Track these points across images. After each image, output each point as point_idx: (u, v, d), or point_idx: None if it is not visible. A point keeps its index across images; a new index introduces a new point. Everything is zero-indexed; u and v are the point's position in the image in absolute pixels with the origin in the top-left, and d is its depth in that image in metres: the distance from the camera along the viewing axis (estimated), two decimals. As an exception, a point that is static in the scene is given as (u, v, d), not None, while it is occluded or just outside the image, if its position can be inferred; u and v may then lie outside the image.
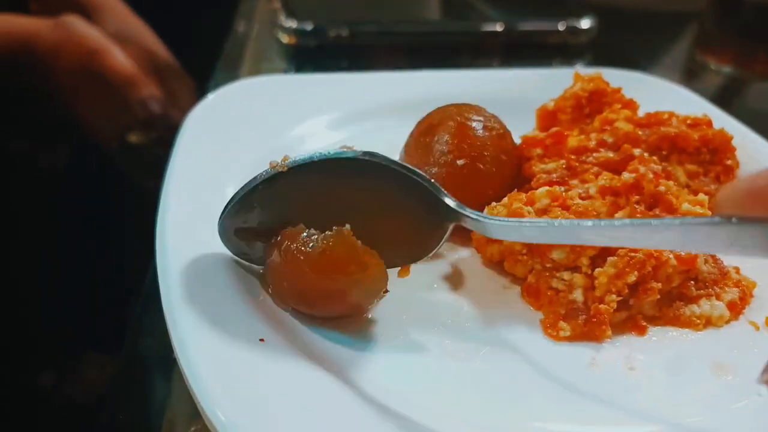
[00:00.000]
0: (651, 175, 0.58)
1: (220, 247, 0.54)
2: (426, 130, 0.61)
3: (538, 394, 0.48)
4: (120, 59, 1.12)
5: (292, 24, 0.96)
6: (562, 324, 0.52)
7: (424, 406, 0.45)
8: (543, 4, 1.13)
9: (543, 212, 0.55)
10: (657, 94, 0.80)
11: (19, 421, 0.88)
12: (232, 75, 0.95)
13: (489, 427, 0.44)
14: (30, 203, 1.06)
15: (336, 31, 0.97)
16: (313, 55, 0.98)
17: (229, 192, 0.58)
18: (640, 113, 0.69)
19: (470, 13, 1.12)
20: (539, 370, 0.50)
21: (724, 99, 1.02)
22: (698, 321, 0.54)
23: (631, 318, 0.54)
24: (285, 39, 0.99)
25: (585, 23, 1.06)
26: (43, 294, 1.06)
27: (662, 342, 0.53)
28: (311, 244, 0.47)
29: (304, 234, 0.48)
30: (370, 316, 0.52)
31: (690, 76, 1.07)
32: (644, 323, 0.54)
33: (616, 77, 0.78)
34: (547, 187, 0.57)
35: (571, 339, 0.52)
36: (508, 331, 0.53)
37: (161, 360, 0.55)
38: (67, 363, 0.97)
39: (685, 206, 0.57)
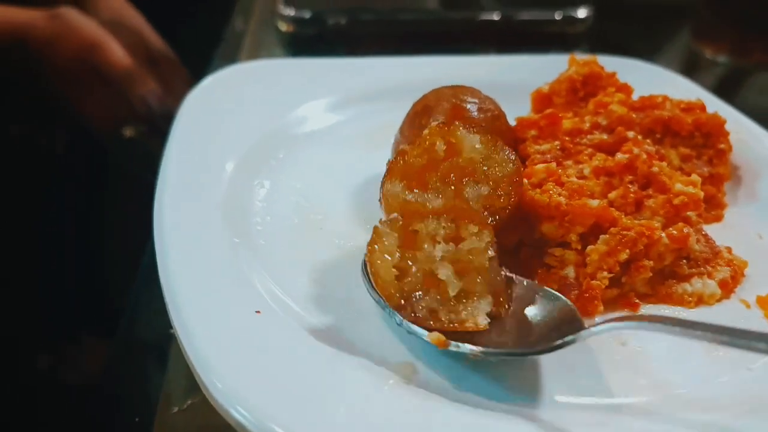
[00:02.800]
0: (645, 156, 0.59)
1: (217, 225, 0.54)
2: (421, 110, 0.62)
3: (529, 365, 0.48)
4: (117, 53, 1.12)
5: (291, 12, 0.97)
6: (555, 299, 0.53)
7: (416, 367, 0.47)
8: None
9: (537, 185, 0.56)
10: (653, 81, 0.80)
11: (19, 403, 0.88)
12: (230, 62, 0.95)
13: (484, 400, 0.45)
14: (28, 187, 1.07)
15: (334, 19, 0.97)
16: (311, 43, 0.99)
17: (228, 169, 0.59)
18: (646, 97, 0.69)
19: (468, 2, 1.12)
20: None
21: (719, 88, 1.03)
22: (690, 299, 0.55)
23: (624, 295, 0.55)
24: (283, 27, 0.99)
25: (582, 12, 1.07)
26: (41, 278, 1.06)
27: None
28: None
29: None
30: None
31: (686, 66, 1.08)
32: (636, 300, 0.54)
33: (612, 63, 0.78)
34: (544, 164, 0.57)
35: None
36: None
37: (157, 338, 0.56)
38: (65, 346, 0.98)
39: (678, 186, 0.58)
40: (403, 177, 0.50)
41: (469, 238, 0.48)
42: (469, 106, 0.61)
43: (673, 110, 0.66)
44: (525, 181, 0.56)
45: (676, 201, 0.57)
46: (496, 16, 1.04)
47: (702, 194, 0.58)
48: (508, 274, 0.50)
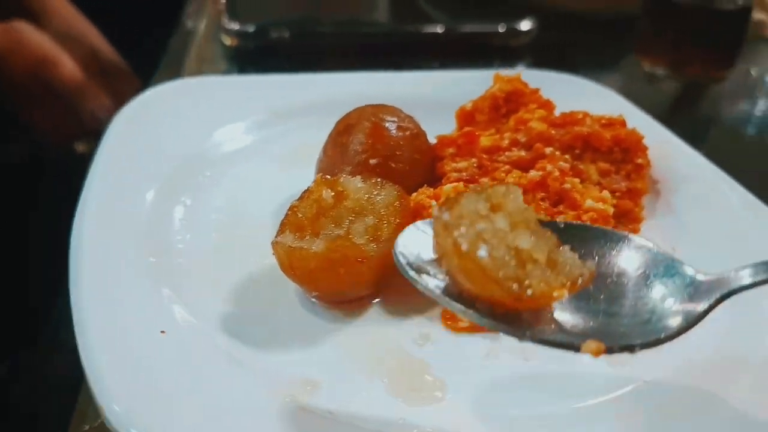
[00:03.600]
0: (557, 173, 0.61)
1: (134, 244, 0.55)
2: (343, 130, 0.63)
3: (435, 382, 0.50)
4: (68, 67, 1.13)
5: (235, 26, 0.98)
6: (461, 316, 0.54)
7: (324, 388, 0.47)
8: (486, 5, 1.15)
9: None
10: (582, 95, 0.83)
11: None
12: (174, 76, 0.96)
13: (387, 416, 0.46)
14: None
15: (278, 33, 0.98)
16: (255, 57, 1.00)
17: (151, 188, 0.60)
18: (567, 113, 0.71)
19: (417, 15, 1.14)
20: (438, 359, 0.51)
21: (657, 100, 1.05)
22: (598, 314, 0.56)
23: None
24: (227, 41, 1.00)
25: (525, 25, 1.09)
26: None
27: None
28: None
29: None
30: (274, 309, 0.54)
31: (627, 77, 1.10)
32: (545, 315, 0.56)
33: (543, 78, 0.81)
34: (453, 184, 0.59)
35: (469, 330, 0.54)
36: (408, 322, 0.54)
37: (75, 354, 0.56)
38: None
39: (589, 202, 0.60)
40: (294, 229, 0.53)
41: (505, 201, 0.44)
42: (388, 125, 0.62)
43: (593, 126, 0.68)
44: (433, 202, 0.57)
45: (585, 217, 0.59)
46: (440, 29, 1.05)
47: (611, 210, 0.60)
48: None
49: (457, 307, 0.41)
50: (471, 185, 0.62)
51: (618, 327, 0.43)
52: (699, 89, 1.07)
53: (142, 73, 1.17)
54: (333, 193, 0.55)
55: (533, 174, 0.60)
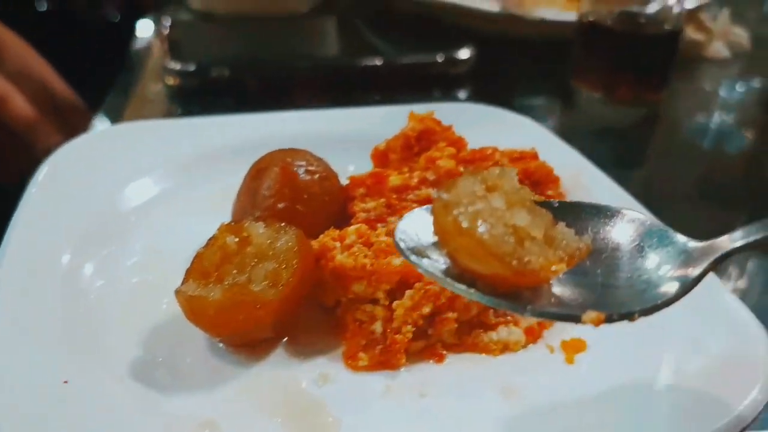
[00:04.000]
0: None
1: (47, 292, 0.58)
2: (255, 175, 0.66)
3: (331, 421, 0.52)
4: (20, 105, 1.15)
5: (176, 66, 1.00)
6: (361, 355, 0.56)
7: (223, 429, 0.49)
8: (428, 36, 1.18)
9: (349, 248, 0.59)
10: (503, 126, 0.85)
11: None
12: (116, 117, 0.99)
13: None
14: None
15: (218, 72, 1.01)
16: (198, 96, 1.02)
17: (66, 248, 0.62)
18: (477, 150, 0.73)
19: (359, 49, 1.17)
20: (336, 398, 0.53)
21: (593, 124, 1.08)
22: (495, 347, 0.59)
23: (430, 346, 0.58)
24: (170, 81, 1.03)
25: (464, 54, 1.12)
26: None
27: (458, 368, 0.57)
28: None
29: None
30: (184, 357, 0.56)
31: (565, 102, 1.13)
32: (442, 351, 0.58)
33: (463, 111, 0.84)
34: (356, 225, 0.61)
35: (368, 368, 0.56)
36: (310, 362, 0.57)
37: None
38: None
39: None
40: (199, 276, 0.55)
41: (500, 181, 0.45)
42: (296, 169, 0.65)
43: (502, 161, 0.71)
44: (337, 244, 0.60)
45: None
46: (378, 62, 1.08)
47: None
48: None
49: (459, 287, 0.43)
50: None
51: (616, 297, 0.44)
52: (634, 112, 1.10)
53: (96, 109, 1.19)
54: (237, 239, 0.57)
55: (435, 212, 0.63)
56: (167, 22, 1.16)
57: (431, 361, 0.58)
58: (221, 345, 0.58)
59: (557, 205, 0.48)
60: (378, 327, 0.58)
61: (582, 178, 0.77)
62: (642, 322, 0.43)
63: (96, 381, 0.52)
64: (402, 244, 0.46)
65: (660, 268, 0.45)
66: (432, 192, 0.66)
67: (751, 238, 0.45)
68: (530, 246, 0.42)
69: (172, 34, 1.11)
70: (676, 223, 0.68)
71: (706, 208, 0.92)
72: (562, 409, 0.53)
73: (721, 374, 0.53)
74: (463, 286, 0.43)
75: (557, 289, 0.44)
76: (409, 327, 0.57)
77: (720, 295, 0.59)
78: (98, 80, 1.14)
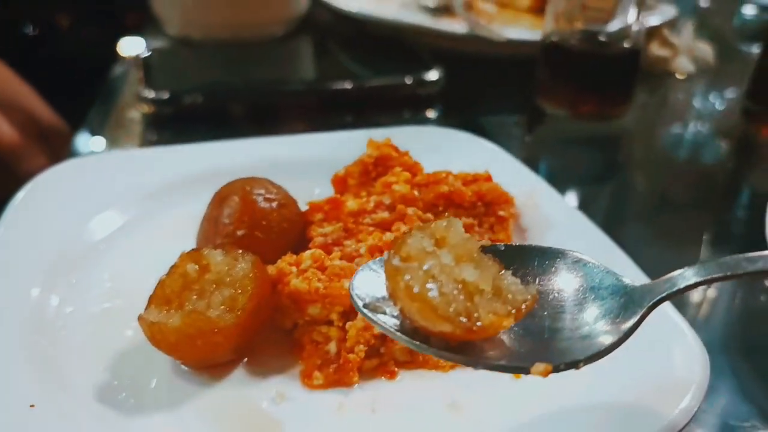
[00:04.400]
0: (411, 233, 0.66)
1: (11, 325, 0.61)
2: (216, 203, 0.69)
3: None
4: (5, 130, 1.19)
5: (150, 94, 1.04)
6: (316, 374, 0.59)
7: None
8: (400, 57, 1.22)
9: (304, 272, 0.62)
10: (461, 148, 0.88)
11: None
12: (91, 145, 1.02)
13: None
14: None
15: (191, 99, 1.04)
16: (172, 124, 1.05)
17: (33, 279, 0.65)
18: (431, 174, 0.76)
19: (339, 71, 1.20)
20: (293, 416, 0.56)
21: (559, 141, 1.11)
22: (444, 363, 0.62)
23: (383, 364, 0.61)
24: (144, 109, 1.06)
25: (432, 75, 1.15)
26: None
27: (408, 385, 0.60)
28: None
29: None
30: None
31: (531, 120, 1.17)
32: (394, 368, 0.61)
33: (424, 134, 0.87)
34: (312, 251, 0.64)
35: (323, 386, 0.59)
36: (268, 381, 0.60)
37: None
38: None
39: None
40: (161, 303, 0.58)
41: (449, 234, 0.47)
42: (255, 197, 0.68)
43: (455, 184, 0.74)
44: (293, 269, 0.63)
45: (432, 274, 0.64)
46: (349, 85, 1.11)
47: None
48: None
49: (413, 344, 0.45)
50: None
51: (562, 343, 0.47)
52: (599, 127, 1.14)
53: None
54: (197, 267, 0.61)
55: (387, 235, 0.66)
56: (143, 48, 1.20)
57: (384, 378, 0.61)
58: (185, 368, 0.60)
59: (503, 248, 0.51)
60: (332, 347, 0.61)
61: (536, 197, 0.80)
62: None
63: (62, 405, 0.55)
64: (357, 300, 0.48)
65: (602, 312, 0.48)
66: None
67: (690, 281, 0.47)
68: (479, 301, 0.44)
69: (147, 61, 1.14)
70: (642, 237, 0.71)
71: (672, 221, 0.95)
72: (505, 424, 0.56)
73: (656, 384, 0.56)
74: (417, 342, 0.45)
75: (506, 339, 0.47)
76: (361, 347, 0.60)
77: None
78: (82, 103, 1.17)
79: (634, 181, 1.08)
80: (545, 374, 0.44)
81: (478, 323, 0.43)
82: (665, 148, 1.15)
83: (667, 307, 0.62)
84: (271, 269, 0.64)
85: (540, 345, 0.47)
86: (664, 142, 1.17)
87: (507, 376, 0.60)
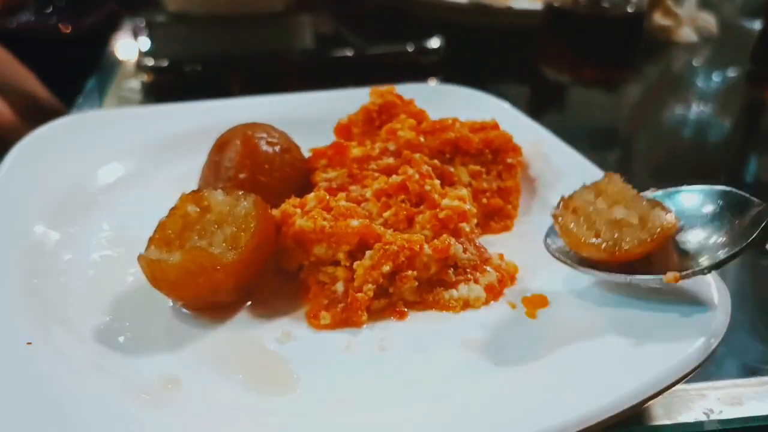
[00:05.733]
0: (417, 176, 0.64)
1: (14, 268, 0.59)
2: (217, 149, 0.67)
3: (291, 375, 0.53)
4: (3, 113, 1.17)
5: (149, 62, 1.02)
6: (323, 313, 0.57)
7: (184, 385, 0.51)
8: (399, 27, 1.21)
9: (309, 213, 0.61)
10: (465, 102, 0.87)
11: None
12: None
13: (241, 407, 0.49)
14: None
15: (190, 67, 1.02)
16: (172, 91, 1.04)
17: (36, 226, 0.63)
18: (437, 121, 0.74)
19: (339, 43, 1.19)
20: (298, 355, 0.55)
21: (561, 105, 1.10)
22: (455, 304, 0.60)
23: (392, 304, 0.59)
24: (144, 77, 1.05)
25: (434, 43, 1.13)
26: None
27: (419, 324, 0.58)
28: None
29: None
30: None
31: (533, 85, 1.15)
32: (404, 308, 0.59)
33: (427, 91, 0.85)
34: (316, 192, 0.63)
35: (330, 326, 0.57)
36: (273, 323, 0.58)
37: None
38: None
39: (445, 202, 0.63)
40: (161, 244, 0.56)
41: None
42: (257, 141, 0.66)
43: (462, 131, 0.72)
44: (297, 210, 0.61)
45: (441, 215, 0.62)
46: (350, 53, 1.10)
47: (466, 207, 0.63)
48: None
49: (587, 271, 0.57)
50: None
51: (697, 255, 0.55)
52: (602, 92, 1.12)
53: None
54: (198, 208, 0.59)
55: (394, 178, 0.64)
56: (142, 23, 1.18)
57: (392, 318, 0.59)
58: (185, 311, 0.59)
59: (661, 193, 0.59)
60: (339, 287, 0.59)
61: (542, 146, 0.79)
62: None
63: (59, 343, 0.53)
64: (550, 246, 0.60)
65: (725, 228, 0.54)
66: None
67: None
68: (626, 231, 0.55)
69: (147, 35, 1.12)
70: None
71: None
72: (521, 360, 0.53)
73: (676, 322, 0.54)
74: (590, 270, 0.57)
75: (658, 257, 0.56)
76: (369, 285, 0.58)
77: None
78: (79, 85, 1.16)
79: (639, 147, 1.06)
80: (675, 281, 0.52)
81: (624, 247, 0.54)
82: (670, 113, 1.13)
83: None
84: (275, 212, 0.62)
85: (682, 259, 0.55)
86: (669, 107, 1.15)
87: (521, 316, 0.59)
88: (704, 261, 0.53)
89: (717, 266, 0.52)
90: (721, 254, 0.53)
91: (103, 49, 1.23)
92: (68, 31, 1.64)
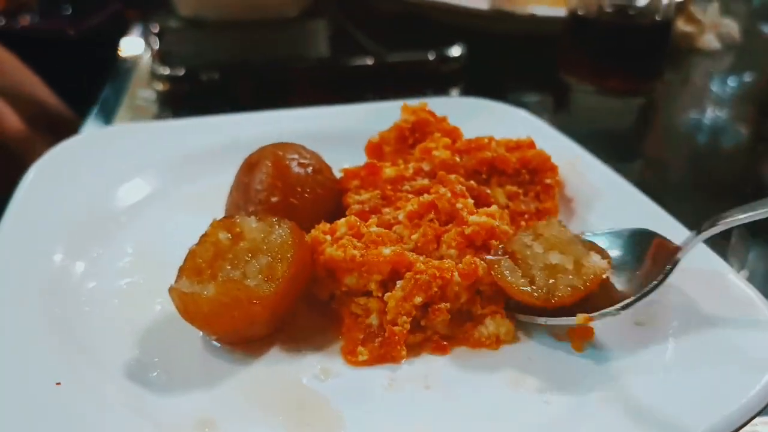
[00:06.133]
0: (448, 195, 0.62)
1: (36, 298, 0.56)
2: (246, 169, 0.64)
3: (333, 415, 0.50)
4: (13, 120, 1.15)
5: (165, 71, 0.99)
6: (360, 349, 0.55)
7: (220, 427, 0.48)
8: (417, 35, 1.18)
9: (339, 240, 0.58)
10: (497, 118, 0.84)
11: None
12: (106, 124, 0.98)
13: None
14: None
15: (207, 76, 1.00)
16: (188, 100, 1.01)
17: (58, 249, 0.60)
18: (472, 139, 0.72)
19: (355, 49, 1.16)
20: (336, 393, 0.52)
21: (583, 114, 1.07)
22: (488, 341, 0.57)
23: (429, 339, 0.56)
24: (159, 86, 1.02)
25: (455, 51, 1.11)
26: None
27: (460, 359, 0.56)
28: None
29: None
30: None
31: (555, 94, 1.13)
32: (444, 342, 0.56)
33: (456, 105, 0.82)
34: (347, 218, 0.60)
35: (369, 363, 0.54)
36: (309, 358, 0.55)
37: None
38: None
39: (473, 218, 0.60)
40: (192, 273, 0.54)
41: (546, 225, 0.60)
42: (289, 162, 0.63)
43: (498, 150, 0.69)
44: (327, 237, 0.58)
45: (467, 231, 0.59)
46: (370, 61, 1.07)
47: (496, 223, 0.60)
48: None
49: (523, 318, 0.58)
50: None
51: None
52: (626, 102, 1.10)
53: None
54: (229, 235, 0.56)
55: (424, 197, 0.61)
56: (155, 29, 1.15)
57: (431, 354, 0.56)
58: (217, 344, 0.56)
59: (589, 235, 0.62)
60: (374, 319, 0.56)
61: (577, 165, 0.76)
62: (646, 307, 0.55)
63: (89, 382, 0.50)
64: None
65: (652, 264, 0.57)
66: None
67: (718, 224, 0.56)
68: (562, 277, 0.56)
69: (161, 41, 1.09)
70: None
71: (699, 199, 0.91)
72: (576, 396, 0.51)
73: (731, 359, 0.52)
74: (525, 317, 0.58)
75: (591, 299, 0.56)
76: (404, 318, 0.55)
77: (728, 279, 0.58)
78: (89, 91, 1.14)
79: (663, 158, 1.03)
80: (585, 322, 0.54)
81: (558, 294, 0.55)
82: (694, 126, 1.11)
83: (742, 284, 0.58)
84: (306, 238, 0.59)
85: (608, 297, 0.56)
86: (693, 120, 1.13)
87: (567, 348, 0.56)
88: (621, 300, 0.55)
89: (625, 307, 0.55)
90: (632, 297, 0.55)
91: (109, 51, 1.20)
92: (72, 32, 1.62)
